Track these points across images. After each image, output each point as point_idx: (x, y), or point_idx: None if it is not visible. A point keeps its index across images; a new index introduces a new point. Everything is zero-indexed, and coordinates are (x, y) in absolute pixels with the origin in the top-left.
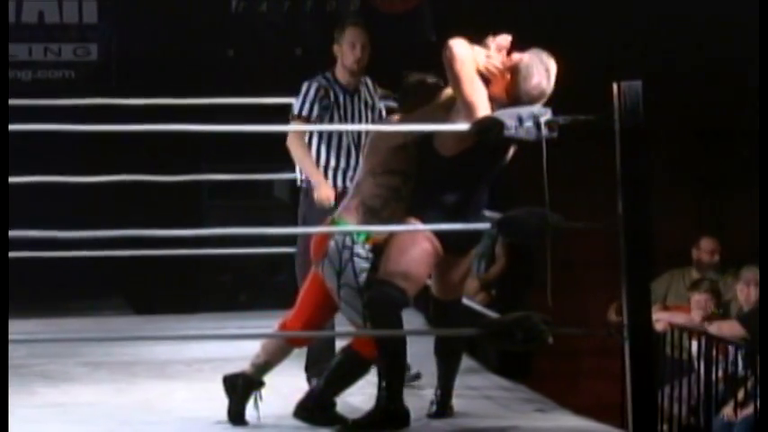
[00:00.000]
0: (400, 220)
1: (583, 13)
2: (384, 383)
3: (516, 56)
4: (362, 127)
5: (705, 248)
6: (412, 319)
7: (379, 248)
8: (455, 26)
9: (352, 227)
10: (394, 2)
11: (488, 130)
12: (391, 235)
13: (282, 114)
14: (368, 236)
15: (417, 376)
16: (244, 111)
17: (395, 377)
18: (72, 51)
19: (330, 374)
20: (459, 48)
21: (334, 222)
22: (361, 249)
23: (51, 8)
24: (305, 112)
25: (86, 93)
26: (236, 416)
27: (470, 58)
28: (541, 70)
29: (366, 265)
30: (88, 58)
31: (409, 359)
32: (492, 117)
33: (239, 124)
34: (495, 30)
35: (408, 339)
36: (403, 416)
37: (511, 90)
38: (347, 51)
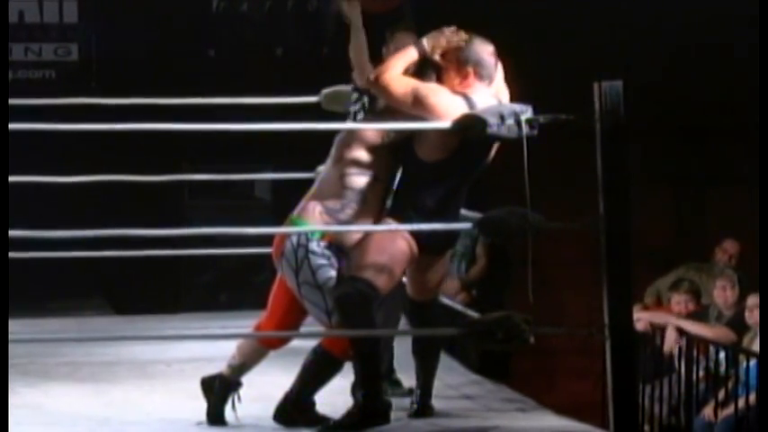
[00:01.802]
0: (363, 224)
1: (562, 12)
2: (360, 381)
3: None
4: (354, 126)
5: (727, 249)
6: None
7: (336, 246)
8: (435, 26)
9: (313, 227)
10: (375, 2)
11: (472, 127)
12: (366, 235)
13: (264, 114)
14: (322, 233)
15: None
16: (225, 110)
17: (370, 374)
18: (52, 51)
19: (303, 375)
20: (374, 76)
21: (292, 222)
22: (316, 247)
23: (31, 8)
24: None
25: (67, 93)
26: (215, 417)
27: (391, 75)
28: (482, 44)
29: (323, 261)
30: (69, 58)
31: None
32: (475, 115)
33: (220, 124)
34: (475, 29)
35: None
36: (383, 411)
37: (470, 75)
38: None
